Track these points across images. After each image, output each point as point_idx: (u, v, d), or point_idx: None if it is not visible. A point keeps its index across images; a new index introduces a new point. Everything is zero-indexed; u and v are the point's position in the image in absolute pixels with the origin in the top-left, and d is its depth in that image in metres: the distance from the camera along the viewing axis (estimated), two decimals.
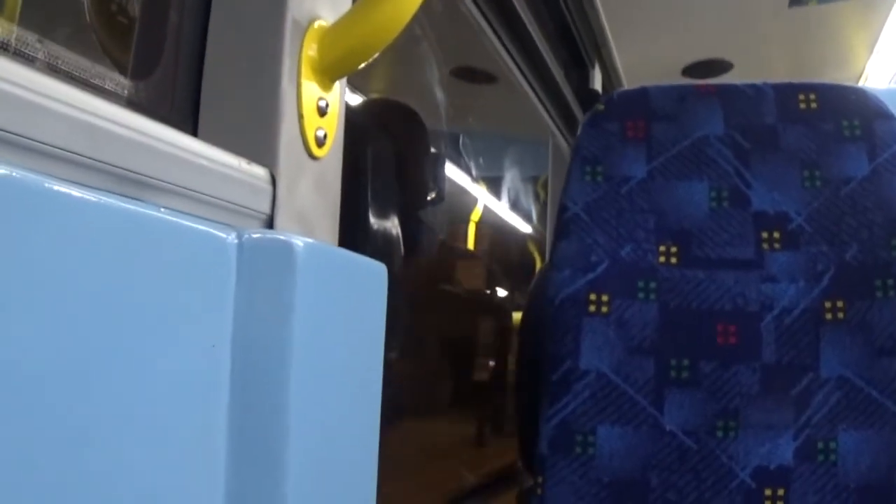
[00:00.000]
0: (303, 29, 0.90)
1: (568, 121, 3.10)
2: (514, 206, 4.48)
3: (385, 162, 1.70)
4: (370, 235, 1.61)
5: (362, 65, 0.96)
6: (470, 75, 2.95)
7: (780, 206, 1.61)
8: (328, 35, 0.93)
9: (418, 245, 1.91)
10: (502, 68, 2.53)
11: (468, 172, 3.70)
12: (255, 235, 0.74)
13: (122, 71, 0.93)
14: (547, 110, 2.92)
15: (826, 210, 1.59)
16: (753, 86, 1.69)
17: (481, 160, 3.75)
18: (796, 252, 1.58)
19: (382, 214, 1.65)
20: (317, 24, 0.92)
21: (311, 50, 0.91)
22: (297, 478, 0.74)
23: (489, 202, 4.35)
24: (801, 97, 1.67)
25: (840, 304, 1.54)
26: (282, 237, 0.76)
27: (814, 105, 1.66)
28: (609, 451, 1.51)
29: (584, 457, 1.51)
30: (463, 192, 3.90)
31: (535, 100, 2.78)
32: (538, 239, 4.39)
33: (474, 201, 4.22)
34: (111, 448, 0.60)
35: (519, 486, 2.22)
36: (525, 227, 4.64)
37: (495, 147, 4.09)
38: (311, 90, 0.91)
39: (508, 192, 4.39)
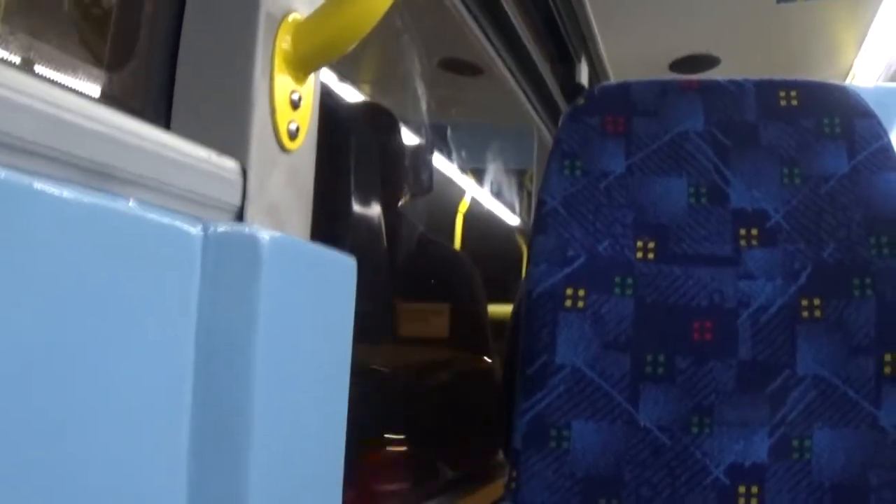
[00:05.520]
0: (277, 21, 0.90)
1: (553, 114, 3.09)
2: (503, 198, 4.48)
3: (367, 156, 1.71)
4: (351, 227, 1.62)
5: (336, 58, 0.96)
6: (456, 67, 2.95)
7: (758, 203, 1.61)
8: (302, 28, 0.93)
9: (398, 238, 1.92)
10: (488, 61, 2.53)
11: (455, 163, 3.70)
12: (220, 229, 0.74)
13: (101, 62, 0.93)
14: (532, 103, 2.92)
15: (805, 208, 1.60)
16: (735, 82, 1.69)
17: (465, 153, 3.75)
18: (774, 249, 1.58)
19: (365, 207, 1.65)
20: (291, 16, 0.92)
21: (284, 43, 0.91)
22: (260, 473, 0.74)
23: (478, 194, 4.35)
24: (782, 94, 1.67)
25: (817, 302, 1.54)
26: (247, 230, 0.75)
27: (794, 102, 1.66)
28: (583, 445, 1.51)
29: (557, 451, 1.51)
30: (450, 183, 3.91)
31: (521, 93, 2.78)
32: (527, 232, 4.39)
33: (461, 193, 4.23)
34: (72, 443, 0.60)
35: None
36: (514, 220, 4.64)
37: (483, 139, 4.09)
38: (285, 83, 0.91)
39: (496, 185, 4.39)
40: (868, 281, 1.54)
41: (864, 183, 1.59)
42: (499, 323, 2.45)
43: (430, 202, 2.50)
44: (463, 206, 4.31)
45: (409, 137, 2.21)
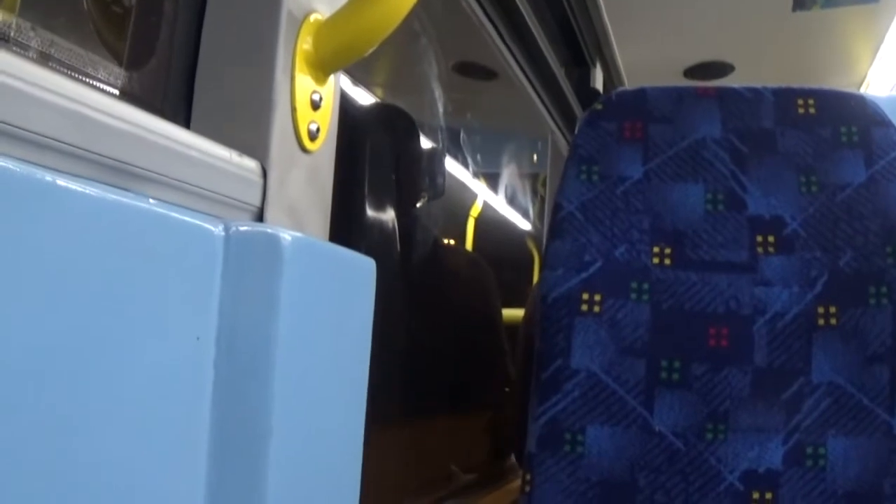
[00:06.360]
0: (298, 22, 0.90)
1: (568, 119, 3.09)
2: (515, 202, 4.47)
3: (382, 159, 1.71)
4: (366, 230, 1.62)
5: (358, 59, 0.96)
6: (471, 71, 2.95)
7: (775, 210, 1.60)
8: (324, 28, 0.93)
9: (413, 241, 1.92)
10: (503, 65, 2.53)
11: (468, 168, 3.70)
12: (242, 228, 0.74)
13: (119, 60, 0.93)
14: (547, 108, 2.92)
15: (821, 216, 1.59)
16: (752, 89, 1.69)
17: (477, 157, 3.75)
18: (790, 257, 1.57)
19: (379, 210, 1.65)
20: (312, 17, 0.92)
21: (306, 43, 0.90)
22: (279, 472, 0.74)
23: (491, 198, 4.35)
24: (800, 102, 1.67)
25: (833, 309, 1.54)
26: (269, 230, 0.75)
27: (812, 110, 1.66)
28: (598, 450, 1.51)
29: (572, 455, 1.51)
30: (462, 187, 3.90)
31: (536, 97, 2.78)
32: (538, 236, 4.39)
33: (473, 197, 4.22)
34: (92, 438, 0.60)
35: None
36: (525, 225, 4.63)
37: (497, 143, 4.08)
38: (305, 83, 0.91)
39: (509, 189, 4.38)
40: (884, 290, 1.53)
41: (882, 192, 1.59)
42: (508, 327, 2.45)
43: (441, 206, 2.50)
44: (475, 211, 4.30)
45: (423, 141, 2.21)
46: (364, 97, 2.74)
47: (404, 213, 1.81)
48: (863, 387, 1.51)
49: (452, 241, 3.58)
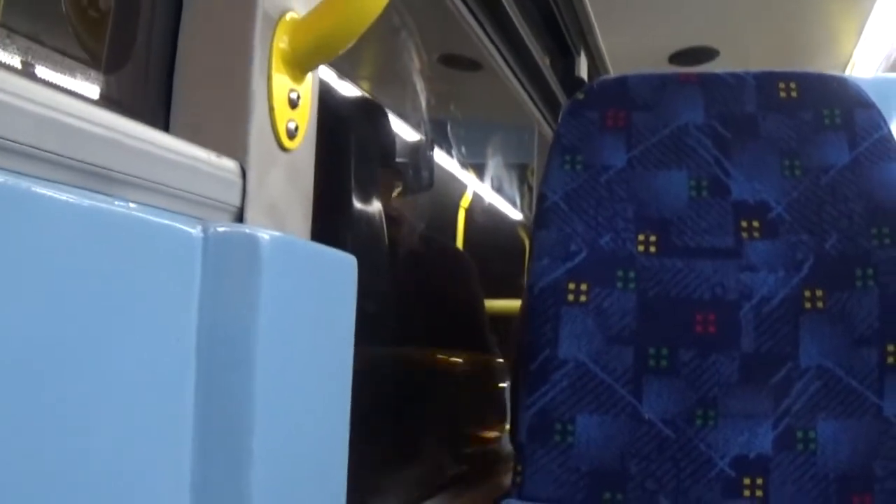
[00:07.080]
0: (274, 21, 0.90)
1: (553, 109, 3.09)
2: (504, 193, 4.47)
3: (367, 152, 1.71)
4: (353, 223, 1.62)
5: (334, 56, 0.96)
6: (456, 63, 2.95)
7: (759, 194, 1.61)
8: (300, 27, 0.93)
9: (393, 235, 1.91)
10: (487, 56, 2.53)
11: (456, 159, 3.70)
12: (220, 229, 0.74)
13: (98, 63, 0.93)
14: (532, 98, 2.92)
15: (806, 199, 1.60)
16: (734, 74, 1.69)
17: (466, 148, 3.74)
18: (776, 241, 1.58)
19: (366, 203, 1.65)
20: (288, 16, 0.92)
21: (282, 42, 0.90)
22: (263, 473, 0.74)
23: (480, 189, 4.35)
24: (782, 85, 1.67)
25: (819, 293, 1.54)
26: (247, 230, 0.76)
27: (794, 94, 1.66)
28: (587, 439, 1.51)
29: (562, 445, 1.51)
30: (451, 178, 3.90)
31: (520, 88, 2.78)
32: (529, 226, 4.38)
33: (463, 188, 4.22)
34: (75, 442, 0.60)
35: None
36: (516, 215, 4.63)
37: (485, 134, 4.08)
38: (282, 82, 0.91)
39: (498, 180, 4.38)
40: (870, 272, 1.53)
41: (865, 174, 1.59)
42: (502, 318, 2.44)
43: (431, 197, 2.50)
44: (465, 202, 4.30)
45: (408, 134, 2.22)
46: (349, 91, 2.74)
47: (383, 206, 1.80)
48: (851, 369, 1.51)
49: (443, 233, 3.58)
